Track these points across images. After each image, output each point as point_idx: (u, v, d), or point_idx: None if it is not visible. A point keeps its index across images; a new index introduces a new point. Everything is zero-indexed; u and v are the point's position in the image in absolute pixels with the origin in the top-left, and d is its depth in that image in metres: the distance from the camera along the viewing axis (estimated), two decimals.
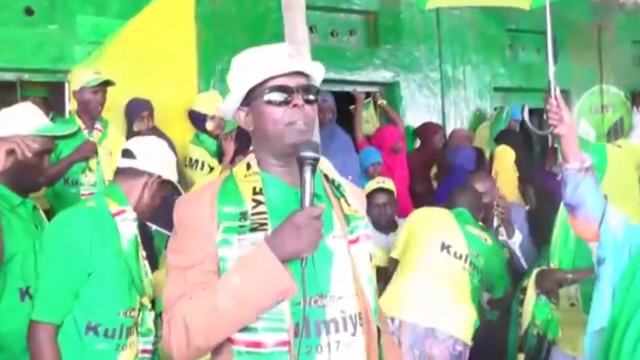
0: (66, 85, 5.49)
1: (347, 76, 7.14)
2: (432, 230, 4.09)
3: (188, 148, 5.20)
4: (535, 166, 6.89)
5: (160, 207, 2.89)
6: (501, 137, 6.76)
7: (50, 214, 3.54)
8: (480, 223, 4.30)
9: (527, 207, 5.48)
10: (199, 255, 1.78)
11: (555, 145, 6.95)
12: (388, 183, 4.81)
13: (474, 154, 6.06)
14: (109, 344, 2.61)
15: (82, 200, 3.80)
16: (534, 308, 3.68)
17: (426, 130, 7.03)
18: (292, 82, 1.83)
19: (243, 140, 5.13)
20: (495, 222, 4.68)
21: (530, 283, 3.75)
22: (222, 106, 1.94)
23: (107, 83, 4.54)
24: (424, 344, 3.75)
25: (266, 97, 1.83)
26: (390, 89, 7.63)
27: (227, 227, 1.79)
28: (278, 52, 1.89)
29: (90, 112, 4.52)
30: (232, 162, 4.88)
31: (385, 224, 4.76)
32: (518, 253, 4.47)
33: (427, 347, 3.75)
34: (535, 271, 3.80)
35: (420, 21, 7.63)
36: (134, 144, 2.93)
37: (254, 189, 1.85)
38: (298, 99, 1.82)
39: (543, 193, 5.58)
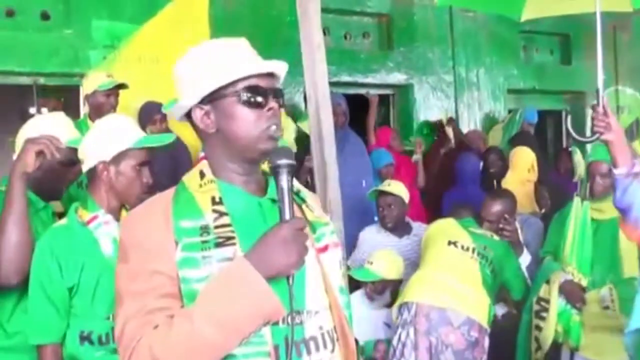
0: (81, 89, 5.52)
1: (361, 79, 7.16)
2: (438, 234, 4.15)
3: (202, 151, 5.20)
4: (549, 169, 6.86)
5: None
6: (516, 140, 6.73)
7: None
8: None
9: (543, 210, 5.47)
10: (155, 279, 1.56)
11: (569, 148, 6.93)
12: (394, 186, 4.79)
13: (478, 162, 6.00)
14: (104, 349, 2.56)
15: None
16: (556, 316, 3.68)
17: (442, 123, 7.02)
18: (265, 84, 1.68)
19: None
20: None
21: (553, 292, 3.73)
22: (180, 102, 1.72)
23: (119, 86, 4.55)
24: (438, 330, 3.71)
25: (241, 98, 1.65)
26: (403, 92, 7.64)
27: (187, 244, 1.58)
28: (246, 49, 1.73)
29: (103, 115, 4.51)
30: None
31: (394, 226, 4.74)
32: (525, 274, 4.38)
33: (442, 334, 3.70)
34: (557, 280, 3.78)
35: (434, 23, 7.64)
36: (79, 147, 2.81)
37: (213, 198, 1.66)
38: (273, 102, 1.67)
39: (557, 195, 5.57)
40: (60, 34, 5.80)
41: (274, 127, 1.67)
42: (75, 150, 2.77)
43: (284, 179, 1.58)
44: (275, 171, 1.59)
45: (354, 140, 5.77)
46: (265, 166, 1.80)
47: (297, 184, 1.79)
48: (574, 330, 3.76)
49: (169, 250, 1.58)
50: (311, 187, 5.30)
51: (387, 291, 4.19)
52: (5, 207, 2.55)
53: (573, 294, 3.78)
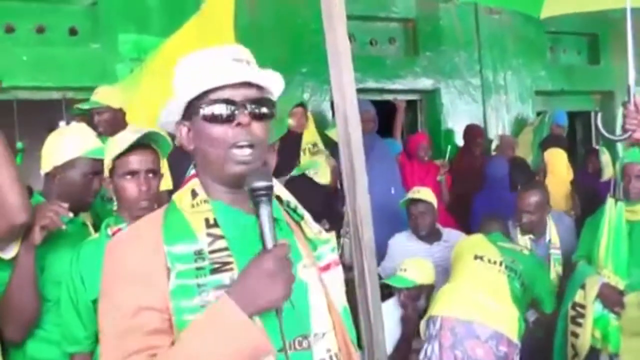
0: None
1: (388, 85, 7.15)
2: (465, 249, 4.10)
3: None
4: (578, 170, 6.78)
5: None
6: (547, 143, 6.67)
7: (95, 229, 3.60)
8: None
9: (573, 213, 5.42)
10: (141, 317, 1.44)
11: (597, 147, 6.85)
12: (424, 193, 4.78)
13: (506, 165, 5.96)
14: None
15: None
16: (593, 322, 3.62)
17: (469, 134, 6.98)
18: (237, 95, 1.52)
19: (286, 153, 5.14)
20: (547, 237, 4.57)
21: (589, 297, 3.68)
22: (160, 118, 1.64)
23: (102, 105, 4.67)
24: (464, 344, 3.61)
25: (203, 112, 1.53)
26: (430, 97, 7.61)
27: (181, 271, 1.46)
28: (223, 57, 1.57)
29: (101, 131, 4.57)
30: (275, 174, 4.88)
31: (426, 234, 4.72)
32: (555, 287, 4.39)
33: (469, 349, 3.60)
34: (595, 284, 3.72)
35: (460, 27, 7.61)
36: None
37: (207, 220, 1.53)
38: (243, 116, 1.51)
39: (586, 197, 5.50)
40: (87, 49, 5.90)
41: (243, 145, 1.52)
42: (96, 160, 2.82)
43: (263, 206, 1.45)
44: (252, 195, 1.46)
45: (381, 146, 5.75)
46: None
47: (293, 200, 1.70)
48: (612, 335, 3.70)
49: (158, 281, 1.46)
50: (340, 195, 5.34)
51: (422, 297, 4.16)
52: (14, 273, 2.61)
53: (611, 298, 3.73)
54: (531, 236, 4.45)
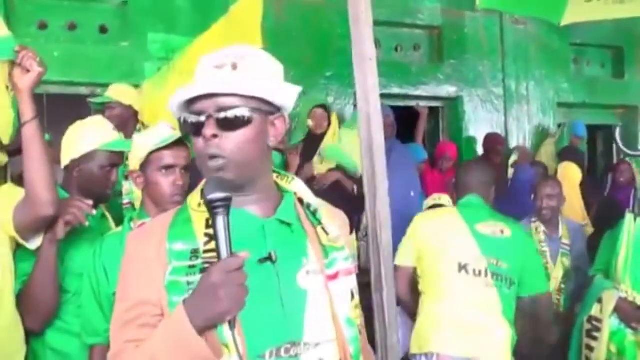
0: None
1: (411, 91, 7.17)
2: (445, 248, 3.65)
3: None
4: (599, 185, 6.77)
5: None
6: (564, 154, 6.67)
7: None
8: (494, 212, 3.84)
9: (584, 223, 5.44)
10: (137, 309, 1.51)
11: (627, 159, 6.81)
12: (444, 200, 4.80)
13: (534, 172, 6.00)
14: None
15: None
16: (609, 336, 3.62)
17: (489, 142, 7.00)
18: (210, 105, 1.51)
19: (308, 154, 5.19)
20: (559, 232, 4.66)
21: (605, 311, 3.68)
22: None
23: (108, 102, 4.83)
24: None
25: (183, 123, 1.55)
26: (453, 104, 7.62)
27: (176, 267, 1.50)
28: (206, 65, 1.58)
29: (124, 129, 4.66)
30: (297, 175, 4.93)
31: None
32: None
33: None
34: (612, 299, 3.73)
35: (485, 36, 7.62)
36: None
37: (207, 221, 1.53)
38: (209, 128, 1.50)
39: (606, 210, 5.49)
40: (117, 47, 6.00)
41: (212, 158, 1.52)
42: (114, 153, 2.87)
43: (218, 218, 1.43)
44: (208, 206, 1.44)
45: (401, 150, 5.78)
46: (283, 182, 1.73)
47: (316, 202, 1.70)
48: (629, 351, 3.68)
49: (157, 275, 1.51)
50: (360, 199, 5.36)
51: None
52: (37, 265, 2.66)
53: (628, 313, 3.71)
54: (545, 230, 4.57)
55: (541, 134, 7.92)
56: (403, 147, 5.83)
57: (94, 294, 2.59)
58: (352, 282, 1.66)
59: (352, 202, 4.66)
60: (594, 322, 3.84)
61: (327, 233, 1.65)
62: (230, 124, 1.51)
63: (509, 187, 5.89)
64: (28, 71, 2.51)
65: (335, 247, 1.65)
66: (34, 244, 2.64)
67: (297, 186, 1.71)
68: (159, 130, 2.67)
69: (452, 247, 3.60)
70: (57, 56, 5.69)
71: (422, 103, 7.14)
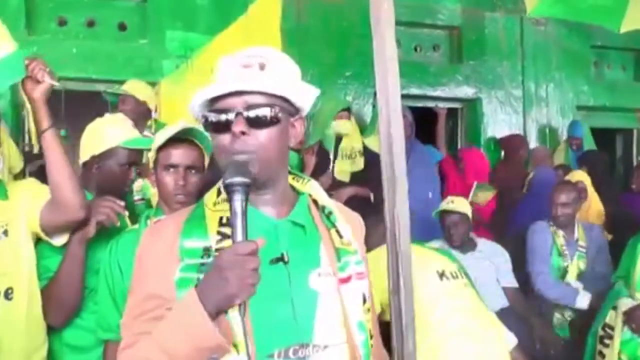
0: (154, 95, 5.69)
1: (430, 92, 7.14)
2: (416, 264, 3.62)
3: None
4: (616, 189, 6.69)
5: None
6: (584, 159, 6.62)
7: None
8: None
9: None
10: (148, 303, 1.53)
11: None
12: (458, 203, 4.77)
13: (554, 174, 5.95)
14: None
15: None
16: (621, 345, 3.57)
17: (510, 143, 6.95)
18: (238, 102, 1.52)
19: (324, 155, 5.17)
20: (575, 236, 4.65)
21: (618, 318, 3.63)
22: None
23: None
24: None
25: (205, 121, 1.56)
26: (472, 106, 7.58)
27: (187, 265, 1.52)
28: (232, 64, 1.59)
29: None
30: (314, 176, 4.91)
31: (459, 244, 4.72)
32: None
33: None
34: (622, 307, 3.68)
35: (504, 37, 7.56)
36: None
37: (221, 219, 1.56)
38: (238, 125, 1.51)
39: (623, 219, 5.44)
40: (135, 44, 6.03)
41: (238, 155, 1.52)
42: (133, 150, 2.87)
43: (236, 199, 1.43)
44: (227, 190, 1.45)
45: (420, 150, 5.76)
46: (298, 184, 1.73)
47: (330, 204, 1.71)
48: None
49: (169, 271, 1.52)
50: (377, 205, 5.33)
51: None
52: (64, 262, 2.68)
53: (636, 320, 3.68)
54: (564, 234, 4.61)
55: (560, 137, 7.84)
56: (423, 148, 5.81)
57: (109, 290, 2.60)
58: (364, 285, 1.67)
59: (371, 208, 4.65)
60: (608, 330, 3.83)
61: (340, 236, 1.66)
62: (259, 122, 1.53)
63: (529, 188, 5.84)
64: (39, 81, 2.52)
65: (348, 251, 1.66)
66: (59, 241, 2.67)
67: (312, 188, 1.72)
68: (171, 128, 2.67)
69: (423, 260, 3.50)
70: (75, 53, 5.75)
71: (441, 104, 7.11)
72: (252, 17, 5.21)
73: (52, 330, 2.78)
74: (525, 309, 4.73)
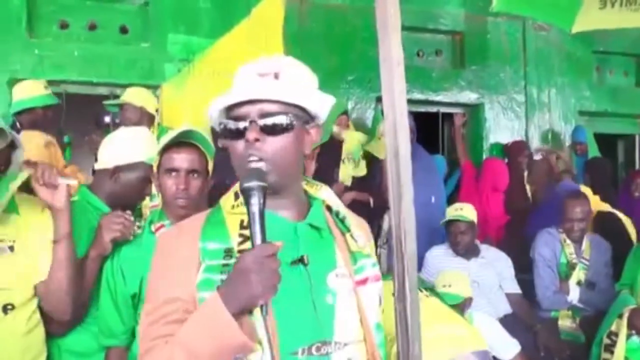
0: (155, 100, 5.67)
1: (432, 97, 7.13)
2: None
3: None
4: (617, 194, 6.67)
5: None
6: (590, 166, 6.60)
7: None
8: None
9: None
10: (168, 307, 1.55)
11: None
12: (466, 210, 4.74)
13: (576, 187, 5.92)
14: None
15: None
16: (628, 352, 3.55)
17: (512, 149, 6.93)
18: (253, 110, 1.56)
19: (324, 160, 5.16)
20: (583, 246, 4.63)
21: (622, 325, 3.61)
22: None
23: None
24: None
25: (222, 128, 1.61)
26: (474, 111, 7.57)
27: (209, 266, 1.55)
28: (249, 72, 1.63)
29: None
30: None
31: (464, 251, 4.70)
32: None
33: None
34: (626, 312, 3.66)
35: (507, 42, 7.57)
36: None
37: (242, 222, 1.60)
38: (252, 132, 1.55)
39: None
40: (137, 47, 6.02)
41: (252, 162, 1.56)
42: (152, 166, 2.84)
43: (254, 203, 1.48)
44: (245, 195, 1.49)
45: (423, 155, 5.75)
46: (312, 190, 1.76)
47: (343, 210, 1.75)
48: None
49: (189, 273, 1.56)
50: (377, 209, 5.32)
51: (466, 309, 4.11)
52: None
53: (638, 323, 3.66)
54: (573, 244, 4.64)
55: (562, 142, 7.83)
56: (426, 153, 5.79)
57: (112, 296, 2.60)
58: (379, 288, 1.72)
59: (371, 213, 4.64)
60: (613, 337, 3.81)
61: (355, 240, 1.70)
62: (272, 129, 1.56)
63: (546, 199, 5.81)
64: (54, 186, 2.44)
65: (363, 254, 1.71)
66: None
67: (325, 194, 1.75)
68: (174, 131, 2.65)
69: None
70: (77, 56, 5.74)
71: (443, 109, 7.09)
72: (255, 20, 5.19)
73: (53, 336, 2.73)
74: (529, 315, 4.71)
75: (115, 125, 5.11)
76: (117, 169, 2.84)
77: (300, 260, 1.59)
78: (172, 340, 1.49)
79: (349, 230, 1.71)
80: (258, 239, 1.46)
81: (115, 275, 2.58)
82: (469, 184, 6.39)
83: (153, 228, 2.65)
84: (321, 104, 1.68)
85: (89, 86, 5.94)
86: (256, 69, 1.62)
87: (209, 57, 5.29)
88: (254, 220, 1.47)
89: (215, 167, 2.77)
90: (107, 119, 6.11)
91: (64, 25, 5.87)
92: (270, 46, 5.20)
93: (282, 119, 1.57)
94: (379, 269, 1.79)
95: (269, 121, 1.56)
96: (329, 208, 1.75)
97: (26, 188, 2.51)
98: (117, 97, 5.86)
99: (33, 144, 4.45)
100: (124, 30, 6.07)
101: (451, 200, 5.84)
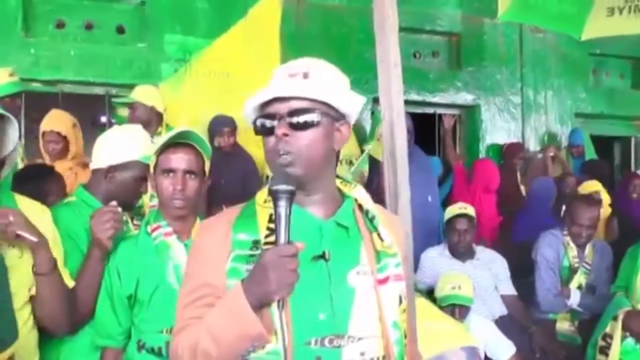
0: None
1: (429, 98, 7.13)
2: None
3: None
4: (616, 195, 6.69)
5: None
6: (587, 168, 6.60)
7: None
8: None
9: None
10: (201, 290, 1.67)
11: (639, 172, 6.74)
12: (470, 209, 4.74)
13: (553, 186, 5.92)
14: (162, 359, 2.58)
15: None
16: (622, 355, 3.55)
17: (507, 150, 6.96)
18: (283, 107, 1.66)
19: None
20: (587, 250, 4.63)
21: (617, 327, 3.60)
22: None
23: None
24: None
25: (254, 125, 1.71)
26: (470, 112, 7.58)
27: (237, 255, 1.66)
28: (281, 72, 1.74)
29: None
30: None
31: (463, 251, 4.69)
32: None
33: None
34: (621, 314, 3.66)
35: (503, 44, 7.57)
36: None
37: (271, 215, 1.68)
38: (281, 128, 1.64)
39: (627, 224, 5.42)
40: (134, 47, 6.00)
41: (283, 155, 1.65)
42: (148, 165, 2.82)
43: (280, 205, 1.55)
44: (273, 197, 1.57)
45: (420, 156, 5.74)
46: (346, 189, 1.81)
47: (374, 209, 1.80)
48: None
49: (221, 261, 1.67)
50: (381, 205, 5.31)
51: (469, 312, 4.11)
52: (84, 276, 2.61)
53: (634, 326, 3.65)
54: (577, 247, 4.61)
55: (558, 144, 7.83)
56: (422, 153, 5.79)
57: (108, 296, 2.58)
58: (401, 287, 1.76)
59: None
60: (608, 340, 3.79)
61: (382, 239, 1.75)
62: (300, 125, 1.65)
63: (528, 204, 5.83)
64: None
65: (388, 253, 1.75)
66: None
67: (358, 193, 1.82)
68: (170, 133, 2.63)
69: None
70: (73, 55, 5.72)
71: (440, 110, 7.09)
72: (252, 21, 5.19)
73: (47, 336, 2.67)
74: (524, 316, 4.70)
75: (111, 125, 5.11)
76: (112, 169, 2.81)
77: (322, 256, 1.67)
78: (200, 323, 1.61)
79: (376, 230, 1.77)
80: (282, 239, 1.54)
81: (112, 276, 2.56)
82: (460, 186, 6.38)
83: (149, 229, 2.62)
84: (351, 103, 1.76)
85: (85, 86, 5.91)
86: (287, 70, 1.72)
87: (206, 58, 5.29)
88: (279, 221, 1.55)
89: (211, 168, 2.77)
90: (103, 119, 6.12)
91: (60, 25, 5.85)
92: (267, 47, 5.20)
93: (309, 116, 1.65)
94: (405, 267, 1.84)
95: (297, 117, 1.65)
96: (360, 207, 1.80)
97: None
98: (113, 97, 5.87)
99: (64, 122, 4.91)
100: (120, 30, 6.04)
101: (444, 202, 5.82)
